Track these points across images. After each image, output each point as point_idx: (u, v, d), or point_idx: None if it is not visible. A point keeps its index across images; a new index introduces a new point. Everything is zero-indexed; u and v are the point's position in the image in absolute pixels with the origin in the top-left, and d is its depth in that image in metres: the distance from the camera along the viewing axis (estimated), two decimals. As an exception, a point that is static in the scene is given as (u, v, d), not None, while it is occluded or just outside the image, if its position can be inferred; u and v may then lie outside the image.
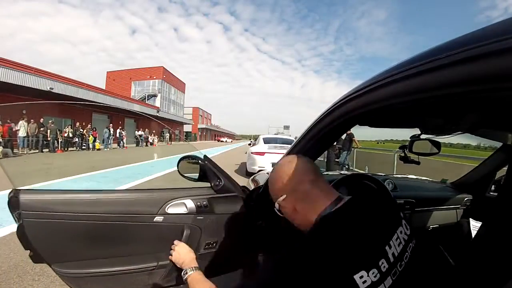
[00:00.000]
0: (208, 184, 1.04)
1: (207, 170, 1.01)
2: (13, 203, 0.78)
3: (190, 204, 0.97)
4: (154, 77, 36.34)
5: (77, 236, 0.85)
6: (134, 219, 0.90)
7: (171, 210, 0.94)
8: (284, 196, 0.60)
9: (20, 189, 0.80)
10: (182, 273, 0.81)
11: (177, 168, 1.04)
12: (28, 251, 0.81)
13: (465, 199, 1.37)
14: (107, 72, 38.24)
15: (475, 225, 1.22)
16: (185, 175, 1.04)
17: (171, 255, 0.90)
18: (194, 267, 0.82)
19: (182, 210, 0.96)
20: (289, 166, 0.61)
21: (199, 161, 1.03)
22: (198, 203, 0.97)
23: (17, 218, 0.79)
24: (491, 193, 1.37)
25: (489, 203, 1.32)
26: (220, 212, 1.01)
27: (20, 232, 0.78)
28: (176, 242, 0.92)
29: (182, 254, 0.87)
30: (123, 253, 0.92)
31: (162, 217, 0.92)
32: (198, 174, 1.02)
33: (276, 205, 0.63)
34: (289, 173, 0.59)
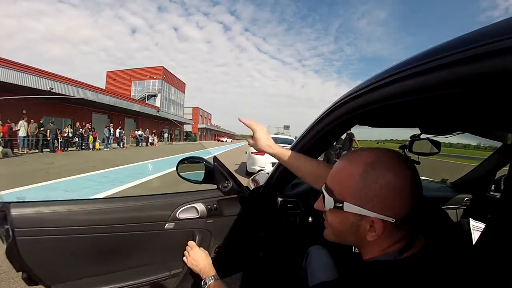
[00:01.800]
0: (211, 186, 1.00)
1: (215, 172, 0.97)
2: (0, 219, 0.67)
3: (201, 207, 0.92)
4: (154, 77, 36.31)
5: (81, 252, 0.77)
6: (144, 227, 0.84)
7: (182, 215, 0.89)
8: (360, 210, 0.40)
9: (9, 202, 0.69)
10: (202, 283, 0.76)
11: (177, 170, 0.99)
12: (21, 272, 0.72)
13: (465, 199, 1.37)
14: (107, 72, 38.24)
15: (475, 225, 1.22)
16: (188, 178, 1.00)
17: (186, 259, 0.85)
18: (213, 275, 0.77)
19: (193, 214, 0.91)
20: (398, 171, 0.40)
21: (204, 163, 0.98)
22: (209, 206, 0.94)
23: (4, 236, 0.68)
24: (491, 193, 1.37)
25: (490, 203, 1.32)
26: (228, 214, 0.98)
27: (12, 252, 0.67)
28: (190, 244, 0.87)
29: (198, 260, 0.81)
30: (133, 265, 0.86)
31: (174, 223, 0.88)
32: (202, 176, 0.97)
33: (330, 203, 0.44)
34: (394, 183, 0.39)
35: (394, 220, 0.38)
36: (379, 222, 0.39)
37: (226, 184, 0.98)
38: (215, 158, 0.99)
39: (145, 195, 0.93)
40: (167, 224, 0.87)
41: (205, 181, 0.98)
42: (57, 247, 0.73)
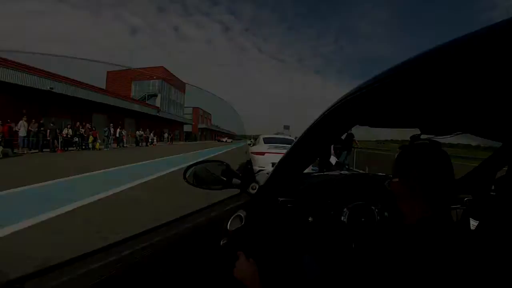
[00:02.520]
0: (230, 191, 0.95)
1: (245, 174, 0.93)
2: None
3: (244, 214, 0.89)
4: (154, 77, 36.31)
5: None
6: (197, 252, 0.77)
7: (232, 226, 0.85)
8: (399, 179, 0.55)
9: (23, 280, 0.42)
10: None
11: (185, 179, 0.92)
12: None
13: (465, 199, 1.37)
14: (107, 72, 38.22)
15: (475, 225, 1.22)
16: (202, 184, 0.93)
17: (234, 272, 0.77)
18: None
19: (239, 223, 0.87)
20: (432, 152, 0.53)
21: (225, 165, 0.93)
22: (249, 212, 0.91)
23: None
24: (492, 193, 1.37)
25: (489, 203, 1.32)
26: (255, 216, 0.95)
27: None
28: (238, 254, 0.80)
29: (244, 270, 0.74)
30: None
31: (227, 238, 0.83)
32: (222, 180, 0.92)
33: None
34: (425, 160, 0.53)
35: (398, 180, 0.55)
36: (394, 183, 0.57)
37: (255, 186, 0.95)
38: (248, 161, 0.97)
39: (192, 212, 0.82)
40: (223, 240, 0.82)
41: (227, 185, 0.92)
42: None
